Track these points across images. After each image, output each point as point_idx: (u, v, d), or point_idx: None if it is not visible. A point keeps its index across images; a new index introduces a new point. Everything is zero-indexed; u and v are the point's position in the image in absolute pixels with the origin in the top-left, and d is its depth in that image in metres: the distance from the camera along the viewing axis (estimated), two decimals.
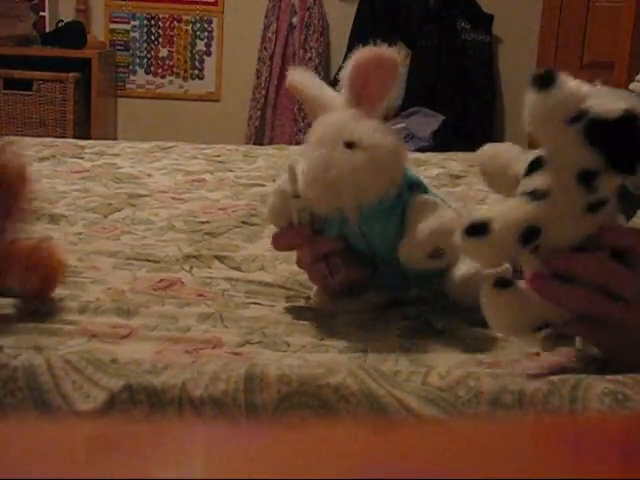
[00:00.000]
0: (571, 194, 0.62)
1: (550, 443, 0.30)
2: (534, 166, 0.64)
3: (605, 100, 0.60)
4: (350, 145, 0.71)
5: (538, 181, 0.63)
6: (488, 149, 0.72)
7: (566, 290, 0.64)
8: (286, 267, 0.94)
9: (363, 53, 0.73)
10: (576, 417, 0.51)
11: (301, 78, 0.81)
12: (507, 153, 0.70)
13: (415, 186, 0.78)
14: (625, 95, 0.63)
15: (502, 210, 0.62)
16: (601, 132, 0.60)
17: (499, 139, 3.66)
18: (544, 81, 0.60)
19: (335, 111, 0.76)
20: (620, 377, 0.59)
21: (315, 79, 0.81)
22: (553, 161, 0.63)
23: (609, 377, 0.58)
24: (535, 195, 0.62)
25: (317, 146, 0.73)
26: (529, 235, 0.61)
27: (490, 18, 3.51)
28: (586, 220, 0.63)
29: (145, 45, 3.59)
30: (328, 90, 0.80)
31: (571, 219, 0.62)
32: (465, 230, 0.62)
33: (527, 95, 0.61)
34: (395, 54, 0.74)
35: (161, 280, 0.88)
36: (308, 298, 0.85)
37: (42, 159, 1.54)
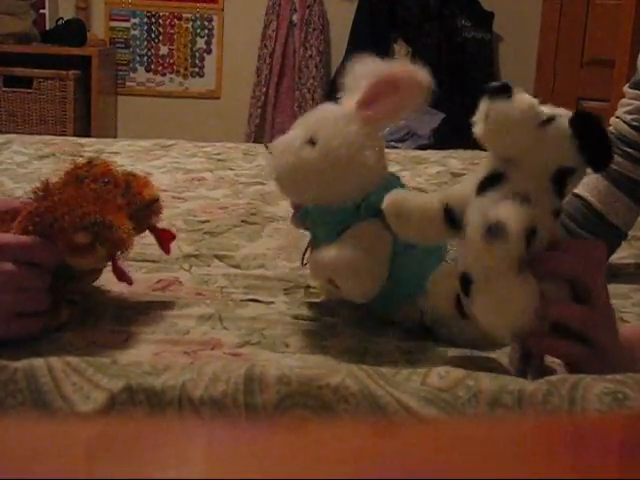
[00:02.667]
0: (547, 196, 0.64)
1: (549, 443, 0.30)
2: (494, 180, 0.64)
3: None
4: (312, 142, 0.71)
5: (516, 188, 0.63)
6: (396, 196, 0.70)
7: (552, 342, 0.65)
8: (287, 264, 0.94)
9: (402, 67, 0.72)
10: (575, 417, 0.51)
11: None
12: (415, 199, 0.69)
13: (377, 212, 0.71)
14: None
15: (508, 212, 0.61)
16: (583, 128, 0.63)
17: None
18: (506, 91, 0.62)
19: (344, 102, 0.74)
20: (619, 377, 0.59)
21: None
22: (523, 166, 0.63)
23: (608, 377, 0.58)
24: (521, 198, 0.62)
25: (295, 129, 0.74)
26: (531, 236, 0.60)
27: (491, 16, 3.51)
28: (553, 224, 0.65)
29: (145, 43, 3.59)
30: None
31: (545, 222, 0.63)
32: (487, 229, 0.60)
33: (489, 106, 0.63)
34: (428, 81, 0.72)
35: (159, 281, 0.88)
36: (307, 287, 0.85)
37: (42, 157, 1.54)
